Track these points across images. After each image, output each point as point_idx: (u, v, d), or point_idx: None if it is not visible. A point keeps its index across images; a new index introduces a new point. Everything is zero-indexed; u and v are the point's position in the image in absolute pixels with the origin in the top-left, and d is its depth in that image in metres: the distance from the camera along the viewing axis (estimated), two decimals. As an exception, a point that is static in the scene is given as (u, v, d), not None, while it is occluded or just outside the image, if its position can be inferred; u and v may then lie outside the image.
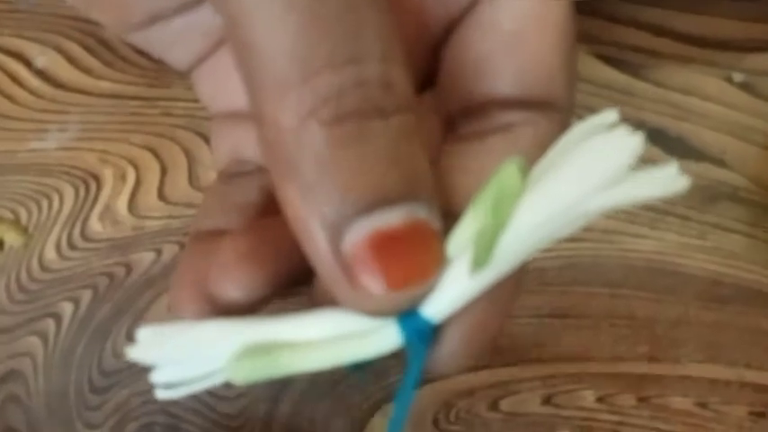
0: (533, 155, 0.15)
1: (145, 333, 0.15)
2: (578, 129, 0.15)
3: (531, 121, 0.17)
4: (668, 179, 0.14)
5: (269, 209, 0.19)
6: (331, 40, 0.13)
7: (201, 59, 0.23)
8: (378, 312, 0.15)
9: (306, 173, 0.14)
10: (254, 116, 0.15)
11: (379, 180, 0.14)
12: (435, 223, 0.14)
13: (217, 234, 0.19)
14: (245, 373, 0.15)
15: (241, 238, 0.18)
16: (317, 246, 0.14)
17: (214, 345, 0.15)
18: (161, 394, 0.15)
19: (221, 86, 0.23)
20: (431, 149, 0.17)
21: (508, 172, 0.14)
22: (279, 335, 0.15)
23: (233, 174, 0.21)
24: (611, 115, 0.14)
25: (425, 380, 0.29)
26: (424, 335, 0.15)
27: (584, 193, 0.14)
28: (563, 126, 0.17)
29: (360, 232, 0.14)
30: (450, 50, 0.19)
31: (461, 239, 0.15)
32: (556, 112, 0.17)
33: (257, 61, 0.14)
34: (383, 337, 0.15)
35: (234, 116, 0.23)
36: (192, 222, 0.21)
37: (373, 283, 0.14)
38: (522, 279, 0.17)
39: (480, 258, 0.14)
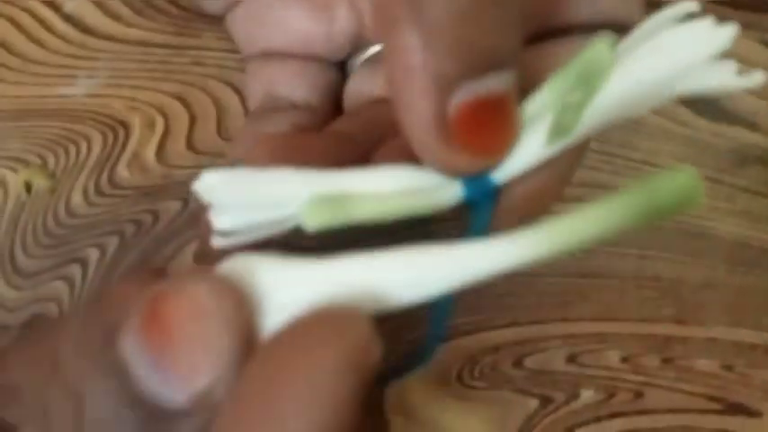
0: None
1: (211, 176, 0.15)
2: (659, 16, 0.15)
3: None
4: (745, 72, 0.15)
5: None
6: None
7: (234, 1, 0.23)
8: (456, 172, 0.15)
9: (436, 18, 0.13)
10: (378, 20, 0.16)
11: (499, 44, 0.14)
12: (516, 95, 0.15)
13: None
14: (319, 219, 0.14)
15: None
16: (423, 99, 0.14)
17: (284, 191, 0.15)
18: (218, 242, 0.15)
19: (256, 27, 0.23)
20: None
21: (599, 47, 0.14)
22: (349, 185, 0.15)
23: (266, 110, 0.21)
24: (690, 5, 0.15)
25: (450, 336, 0.29)
26: (488, 195, 0.16)
27: (670, 73, 0.14)
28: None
29: (470, 93, 0.14)
30: None
31: (537, 108, 0.15)
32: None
33: None
34: (448, 193, 0.15)
35: (269, 56, 0.23)
36: (228, 150, 0.21)
37: (464, 146, 0.14)
38: (584, 149, 0.17)
39: (562, 128, 0.15)
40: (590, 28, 0.17)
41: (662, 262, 0.30)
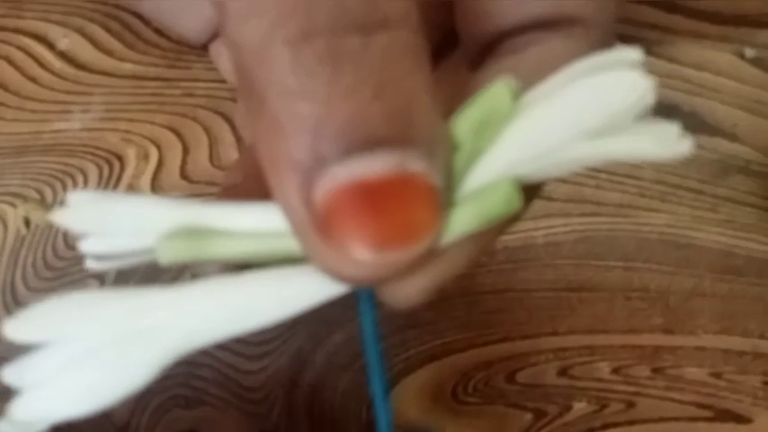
0: (538, 75, 0.13)
1: (76, 197, 0.14)
2: (592, 60, 0.13)
3: (540, 39, 0.15)
4: (669, 139, 0.12)
5: None
6: None
7: (215, 30, 0.23)
8: (353, 280, 0.12)
9: (272, 103, 0.11)
10: (225, 41, 0.12)
11: (360, 114, 0.11)
12: (436, 177, 0.11)
13: None
14: (173, 254, 0.13)
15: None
16: (287, 192, 0.11)
17: (143, 220, 0.14)
18: (90, 264, 0.14)
19: None
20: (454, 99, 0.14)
21: (497, 93, 0.13)
22: (212, 220, 0.14)
23: None
24: (634, 53, 0.12)
25: (443, 353, 0.29)
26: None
27: (573, 136, 0.12)
28: (593, 43, 0.14)
29: (335, 179, 0.11)
30: None
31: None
32: (579, 27, 0.15)
33: None
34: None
35: None
36: (222, 179, 0.21)
37: (351, 244, 0.11)
38: (501, 230, 0.14)
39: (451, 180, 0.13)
40: (541, 26, 0.15)
41: (649, 273, 0.30)
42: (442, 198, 0.12)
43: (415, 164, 0.11)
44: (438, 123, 0.12)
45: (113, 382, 0.13)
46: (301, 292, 0.13)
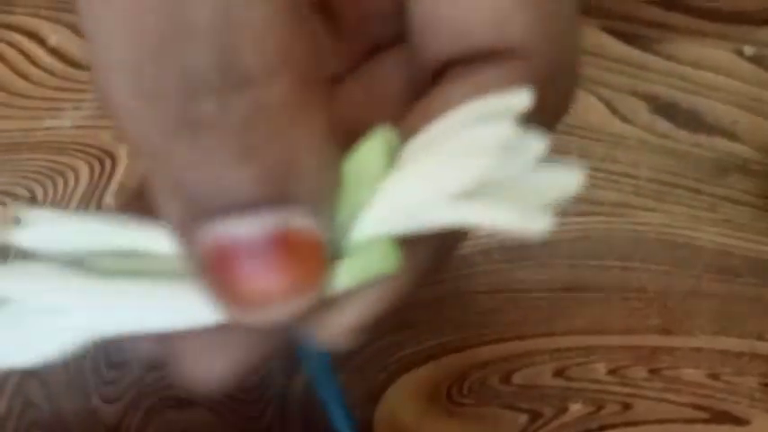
0: (458, 97, 0.12)
1: (32, 215, 0.14)
2: (477, 106, 0.12)
3: (477, 70, 0.14)
4: (533, 214, 0.12)
5: None
6: (153, 17, 0.10)
7: None
8: (251, 324, 0.12)
9: (145, 158, 0.11)
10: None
11: (225, 178, 0.10)
12: (322, 232, 0.11)
13: None
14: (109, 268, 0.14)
15: None
16: (176, 240, 0.12)
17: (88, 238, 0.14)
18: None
19: None
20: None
21: (372, 147, 0.12)
22: (143, 243, 0.13)
23: None
24: (519, 99, 0.12)
25: (438, 354, 0.29)
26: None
27: (441, 196, 0.12)
28: (533, 75, 0.14)
29: (205, 238, 0.11)
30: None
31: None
32: (522, 60, 0.14)
33: (90, 45, 0.11)
34: None
35: None
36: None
37: (232, 299, 0.11)
38: (415, 278, 0.14)
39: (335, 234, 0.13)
40: (484, 57, 0.14)
41: (646, 273, 0.30)
42: (327, 252, 0.12)
43: (296, 221, 0.11)
44: (324, 178, 0.12)
45: (19, 347, 0.13)
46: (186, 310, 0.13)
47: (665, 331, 0.30)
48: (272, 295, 0.11)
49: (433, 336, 0.29)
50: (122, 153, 0.30)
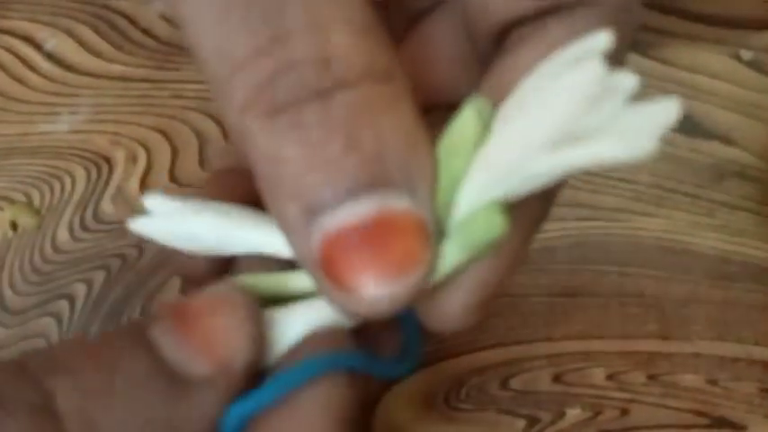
0: (543, 53, 0.13)
1: (155, 203, 0.16)
2: (560, 56, 0.12)
3: (546, 27, 0.14)
4: (636, 138, 0.12)
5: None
6: (250, 24, 0.12)
7: None
8: (368, 315, 0.13)
9: (260, 170, 0.12)
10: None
11: (335, 168, 0.12)
12: (419, 212, 0.12)
13: None
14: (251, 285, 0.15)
15: None
16: (293, 246, 0.13)
17: (214, 229, 0.16)
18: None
19: None
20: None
21: (465, 118, 0.13)
22: (269, 239, 0.15)
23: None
24: (600, 40, 0.12)
25: (435, 359, 0.29)
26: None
27: (540, 149, 0.12)
28: (597, 21, 0.14)
29: (325, 229, 0.12)
30: None
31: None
32: (584, 7, 0.14)
33: (198, 60, 0.13)
34: None
35: None
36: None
37: (351, 283, 0.12)
38: (527, 238, 0.15)
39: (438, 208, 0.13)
40: (545, 12, 0.14)
41: (644, 279, 0.30)
42: (429, 229, 0.12)
43: (395, 203, 0.12)
44: (417, 160, 0.13)
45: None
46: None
47: (664, 337, 0.30)
48: (380, 279, 0.12)
49: (431, 341, 0.29)
50: (119, 157, 0.30)
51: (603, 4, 0.14)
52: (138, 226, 0.16)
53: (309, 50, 0.12)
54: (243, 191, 0.17)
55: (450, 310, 0.14)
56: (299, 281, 0.15)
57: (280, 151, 0.12)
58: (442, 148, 0.13)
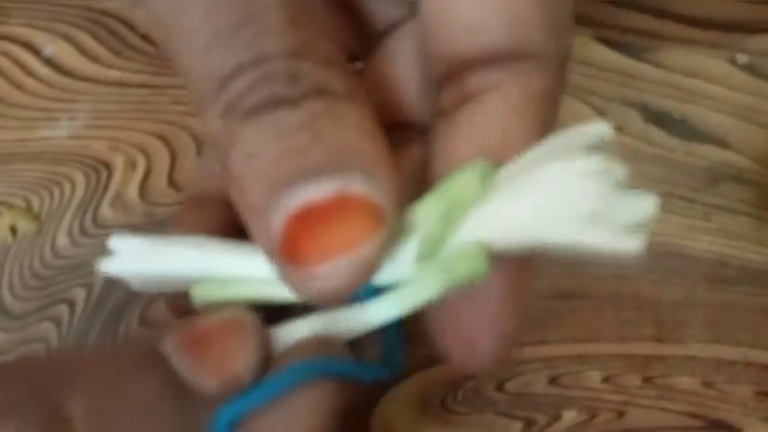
0: (501, 120, 0.15)
1: (121, 244, 0.16)
2: (564, 136, 0.14)
3: (500, 83, 0.16)
4: (625, 236, 0.13)
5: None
6: (235, 49, 0.14)
7: None
8: (321, 296, 0.14)
9: (234, 168, 0.14)
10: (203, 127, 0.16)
11: (300, 158, 0.13)
12: (378, 195, 0.14)
13: None
14: (202, 298, 0.16)
15: None
16: (257, 237, 0.14)
17: (181, 266, 0.16)
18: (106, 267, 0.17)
19: None
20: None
21: (466, 179, 0.14)
22: (229, 267, 0.16)
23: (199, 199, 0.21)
24: (602, 128, 0.13)
25: (431, 363, 0.29)
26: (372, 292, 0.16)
27: (533, 223, 0.13)
28: (547, 75, 0.16)
29: (285, 210, 0.13)
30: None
31: (419, 219, 0.15)
32: (533, 60, 0.15)
33: (186, 80, 0.15)
34: None
35: None
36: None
37: (308, 260, 0.14)
38: (526, 268, 0.16)
39: (426, 255, 0.15)
40: (483, 64, 0.16)
41: (640, 282, 0.30)
42: (385, 214, 0.14)
43: (353, 186, 0.13)
44: (376, 154, 0.14)
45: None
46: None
47: (659, 340, 0.30)
48: (335, 255, 0.13)
49: (427, 344, 0.29)
50: (118, 163, 0.30)
51: (551, 62, 0.16)
52: (108, 267, 0.17)
53: (283, 70, 0.14)
54: (213, 222, 0.19)
55: (478, 343, 0.16)
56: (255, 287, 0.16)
57: (255, 146, 0.14)
58: (435, 204, 0.14)
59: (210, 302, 0.16)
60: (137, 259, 0.16)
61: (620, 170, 0.13)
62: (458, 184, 0.14)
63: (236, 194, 0.14)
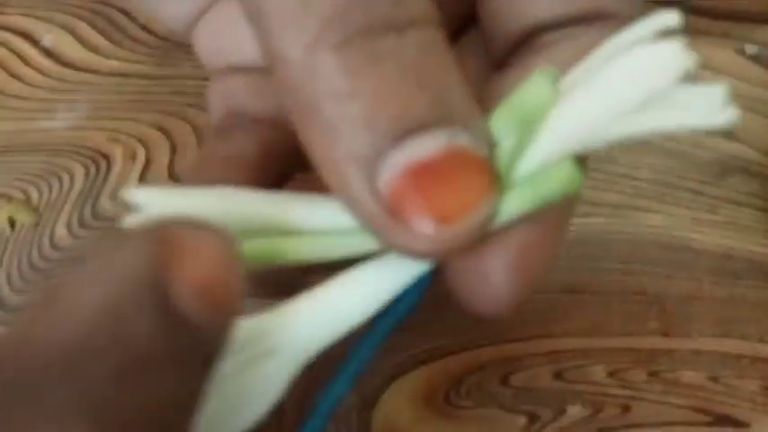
0: (579, 55, 0.14)
1: (143, 196, 0.14)
2: (628, 33, 0.13)
3: (575, 34, 0.15)
4: (713, 107, 0.12)
5: (265, 164, 0.18)
6: None
7: (199, 15, 0.22)
8: (433, 254, 0.13)
9: (325, 108, 0.12)
10: (266, 58, 0.13)
11: (407, 104, 0.12)
12: (481, 149, 0.13)
13: None
14: (251, 254, 0.14)
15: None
16: (353, 189, 0.13)
17: (215, 214, 0.13)
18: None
19: (220, 41, 0.22)
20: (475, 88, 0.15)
21: (538, 83, 0.13)
22: (283, 217, 0.14)
23: (228, 128, 0.20)
24: (669, 18, 0.13)
25: (435, 357, 0.29)
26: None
27: (615, 115, 0.13)
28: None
29: (396, 166, 0.12)
30: None
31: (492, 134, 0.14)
32: (611, 20, 0.15)
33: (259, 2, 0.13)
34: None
35: (232, 71, 0.22)
36: (188, 179, 0.20)
37: (419, 220, 0.12)
38: (573, 201, 0.15)
39: (502, 174, 0.13)
40: (561, 24, 0.15)
41: (646, 276, 0.29)
42: (491, 165, 0.13)
43: (460, 139, 0.12)
44: (473, 104, 0.13)
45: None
46: (386, 281, 0.14)
47: (665, 334, 0.29)
48: (449, 214, 0.12)
49: (430, 338, 0.29)
50: (118, 154, 0.30)
51: (623, 18, 0.15)
52: (134, 225, 0.15)
53: None
54: (252, 150, 0.17)
55: (493, 272, 0.14)
56: (302, 244, 0.14)
57: (352, 85, 0.12)
58: (510, 112, 0.13)
59: (261, 259, 0.14)
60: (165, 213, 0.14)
61: (691, 55, 0.13)
62: (529, 92, 0.13)
63: (321, 137, 0.13)
